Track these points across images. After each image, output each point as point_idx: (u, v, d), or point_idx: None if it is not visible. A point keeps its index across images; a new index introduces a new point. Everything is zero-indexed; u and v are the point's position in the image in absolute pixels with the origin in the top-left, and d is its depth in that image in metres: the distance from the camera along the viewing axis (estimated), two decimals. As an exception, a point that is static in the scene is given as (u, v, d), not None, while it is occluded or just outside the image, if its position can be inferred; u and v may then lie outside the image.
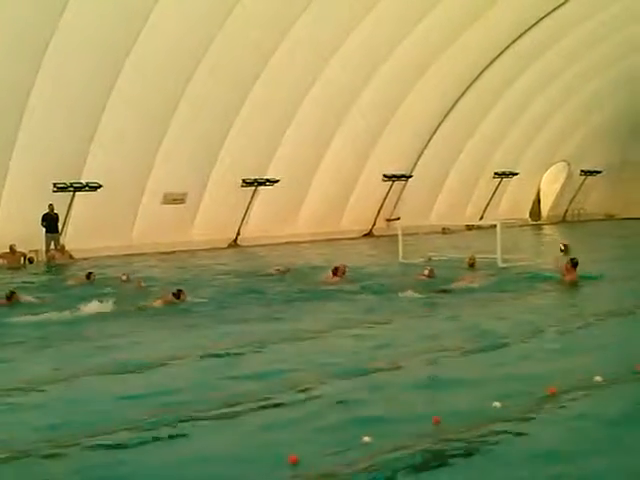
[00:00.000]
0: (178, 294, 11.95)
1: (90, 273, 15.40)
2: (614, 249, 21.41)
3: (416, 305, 11.48)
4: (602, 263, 15.88)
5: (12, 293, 12.41)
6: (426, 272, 14.09)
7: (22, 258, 20.45)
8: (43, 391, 6.97)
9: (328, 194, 27.72)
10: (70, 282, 15.46)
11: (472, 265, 15.79)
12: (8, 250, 20.04)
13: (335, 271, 14.14)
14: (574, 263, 12.79)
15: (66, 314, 10.95)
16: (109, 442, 5.34)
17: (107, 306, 11.38)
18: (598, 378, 6.40)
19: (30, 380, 7.29)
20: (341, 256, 18.64)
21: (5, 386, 7.08)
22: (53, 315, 10.92)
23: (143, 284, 14.07)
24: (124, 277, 15.08)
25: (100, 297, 11.82)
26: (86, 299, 11.65)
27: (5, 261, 20.02)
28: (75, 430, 5.63)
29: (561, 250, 17.60)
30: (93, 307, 11.23)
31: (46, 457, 5.16)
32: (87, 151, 21.27)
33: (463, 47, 26.73)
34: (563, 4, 26.52)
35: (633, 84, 33.39)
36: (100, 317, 10.86)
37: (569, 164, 36.96)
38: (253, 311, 11.29)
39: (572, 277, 12.71)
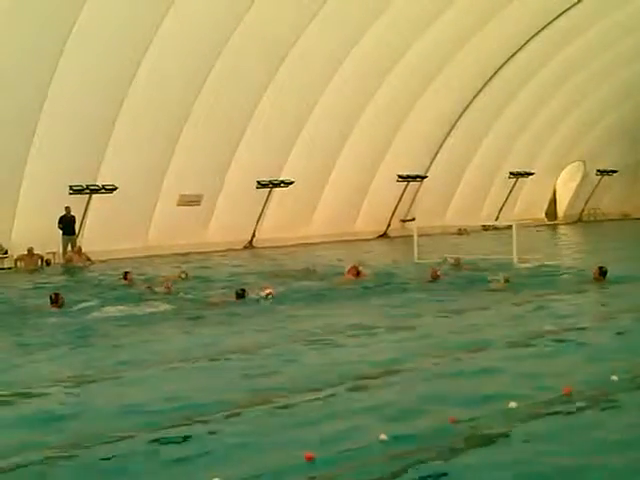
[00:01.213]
0: (242, 293, 12.39)
1: (127, 273, 15.49)
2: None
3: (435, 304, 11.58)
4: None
5: (56, 295, 12.23)
6: (432, 273, 14.31)
7: (39, 260, 20.56)
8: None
9: (343, 195, 27.68)
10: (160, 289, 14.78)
11: (457, 265, 16.10)
12: (26, 252, 20.16)
13: (352, 269, 14.77)
14: (603, 272, 12.97)
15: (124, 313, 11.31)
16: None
17: (168, 307, 11.79)
18: None
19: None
20: (358, 257, 18.63)
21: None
22: (106, 314, 11.28)
23: (171, 285, 14.06)
24: (182, 274, 15.58)
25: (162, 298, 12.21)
26: (145, 300, 12.11)
27: (23, 263, 20.16)
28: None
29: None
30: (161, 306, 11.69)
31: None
32: (103, 153, 21.36)
33: (477, 48, 26.65)
34: (577, 3, 26.38)
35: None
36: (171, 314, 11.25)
37: (585, 164, 36.75)
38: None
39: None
